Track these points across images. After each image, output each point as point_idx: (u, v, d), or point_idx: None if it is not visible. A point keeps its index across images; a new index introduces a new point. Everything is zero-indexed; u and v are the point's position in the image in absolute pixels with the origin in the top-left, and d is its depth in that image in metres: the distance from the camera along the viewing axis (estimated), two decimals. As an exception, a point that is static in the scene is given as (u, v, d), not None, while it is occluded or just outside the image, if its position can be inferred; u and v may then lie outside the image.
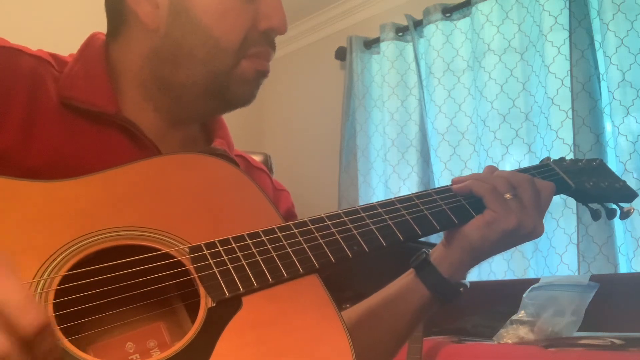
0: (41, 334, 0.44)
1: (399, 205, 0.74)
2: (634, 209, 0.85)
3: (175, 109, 0.77)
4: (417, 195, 0.76)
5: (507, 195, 0.73)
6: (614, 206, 0.86)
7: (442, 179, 2.64)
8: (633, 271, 1.98)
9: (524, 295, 1.66)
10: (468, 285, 0.76)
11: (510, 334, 1.57)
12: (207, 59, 0.73)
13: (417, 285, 0.76)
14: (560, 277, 1.91)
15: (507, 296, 1.76)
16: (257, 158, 0.94)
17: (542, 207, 0.76)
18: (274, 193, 0.90)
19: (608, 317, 1.64)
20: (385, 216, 0.72)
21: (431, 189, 0.78)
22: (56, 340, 0.48)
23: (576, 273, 2.06)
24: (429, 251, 0.78)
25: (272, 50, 0.77)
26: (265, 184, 0.89)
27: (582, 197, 0.87)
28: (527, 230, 0.74)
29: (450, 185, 0.78)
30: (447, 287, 0.75)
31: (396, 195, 2.52)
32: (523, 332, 1.56)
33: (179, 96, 0.75)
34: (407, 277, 0.77)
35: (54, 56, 0.76)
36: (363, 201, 2.89)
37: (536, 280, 1.78)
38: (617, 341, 1.37)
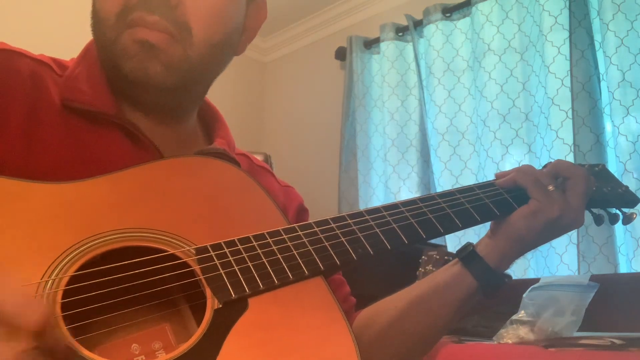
0: (43, 329, 0.45)
1: (403, 209, 0.74)
2: (636, 214, 0.85)
3: (132, 98, 0.76)
4: (421, 199, 0.77)
5: (550, 187, 0.77)
6: (617, 211, 0.86)
7: (442, 179, 2.64)
8: (633, 271, 1.98)
9: (524, 295, 1.66)
10: (512, 276, 0.79)
11: (510, 334, 1.57)
12: (96, 37, 0.73)
13: (464, 276, 0.78)
14: (560, 277, 1.91)
15: (507, 296, 1.75)
16: (258, 158, 0.95)
17: (583, 199, 0.79)
18: (282, 191, 0.90)
19: (608, 317, 1.64)
20: (389, 219, 0.72)
21: (455, 189, 0.80)
22: (59, 335, 0.48)
23: (576, 273, 2.06)
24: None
25: (147, 14, 0.68)
26: (271, 183, 0.89)
27: None
28: (569, 220, 0.77)
29: (455, 186, 0.80)
30: (493, 277, 0.77)
31: (396, 196, 2.50)
32: (523, 332, 1.56)
33: (115, 83, 0.75)
34: (454, 268, 0.79)
35: (55, 60, 0.77)
36: (363, 201, 2.90)
37: (536, 280, 1.78)
38: (617, 341, 1.37)
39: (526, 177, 0.78)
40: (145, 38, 0.68)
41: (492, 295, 0.78)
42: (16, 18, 2.48)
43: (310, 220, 0.69)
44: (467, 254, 0.78)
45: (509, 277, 0.78)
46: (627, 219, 0.85)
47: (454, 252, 0.81)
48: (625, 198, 0.87)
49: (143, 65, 0.69)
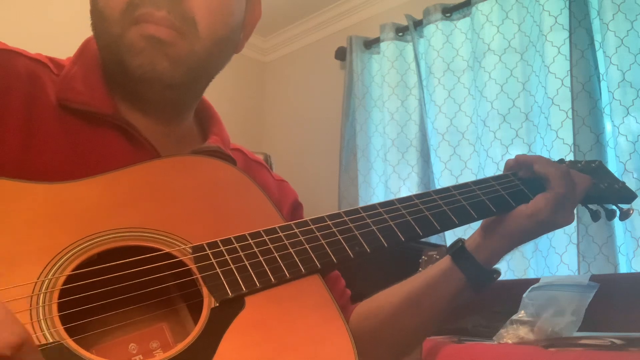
0: (20, 351, 0.43)
1: (399, 205, 0.74)
2: (633, 210, 0.85)
3: (130, 97, 0.75)
4: (417, 196, 0.77)
5: None
6: (614, 207, 0.87)
7: (442, 179, 2.64)
8: (633, 271, 1.98)
9: (524, 295, 1.66)
10: (501, 272, 0.80)
11: (510, 334, 1.57)
12: (98, 34, 0.73)
13: (453, 271, 0.79)
14: (560, 277, 1.91)
15: (507, 296, 1.75)
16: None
17: (575, 198, 0.80)
18: (277, 185, 0.91)
19: (608, 317, 1.64)
20: (386, 216, 0.72)
21: (451, 186, 0.81)
22: (39, 357, 0.47)
23: (576, 273, 2.06)
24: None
25: (155, 9, 0.68)
26: (266, 178, 0.90)
27: None
28: (561, 219, 0.78)
29: (448, 184, 0.81)
30: (482, 273, 0.78)
31: (396, 196, 2.50)
32: (523, 332, 1.56)
33: (115, 81, 0.75)
34: (444, 264, 0.80)
35: (52, 59, 0.77)
36: (363, 201, 2.89)
37: (536, 280, 1.78)
38: (617, 341, 1.37)
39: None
40: (154, 34, 0.68)
41: (481, 290, 0.79)
42: (13, 17, 2.48)
43: (307, 218, 0.69)
44: (457, 249, 0.79)
45: (498, 272, 0.79)
46: (624, 215, 0.85)
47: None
48: (622, 194, 0.87)
49: (151, 61, 0.69)
